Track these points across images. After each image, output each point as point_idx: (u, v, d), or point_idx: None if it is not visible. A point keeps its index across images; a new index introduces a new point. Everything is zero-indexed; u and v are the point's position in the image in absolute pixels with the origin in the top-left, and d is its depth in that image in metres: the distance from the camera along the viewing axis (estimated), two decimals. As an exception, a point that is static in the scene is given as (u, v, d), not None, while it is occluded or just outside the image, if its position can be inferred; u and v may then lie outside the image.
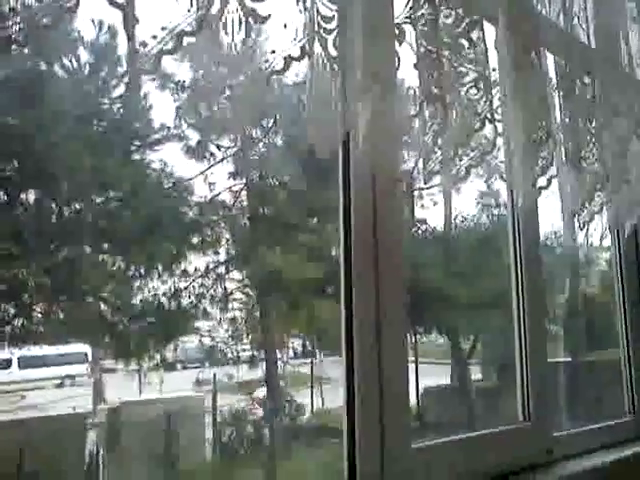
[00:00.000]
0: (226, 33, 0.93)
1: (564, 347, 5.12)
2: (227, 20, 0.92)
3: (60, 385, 4.71)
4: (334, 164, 1.31)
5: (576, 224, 1.70)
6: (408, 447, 1.28)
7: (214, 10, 0.91)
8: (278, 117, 4.08)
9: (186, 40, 0.86)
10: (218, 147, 4.43)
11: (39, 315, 4.05)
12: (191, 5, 0.87)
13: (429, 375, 5.24)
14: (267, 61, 0.96)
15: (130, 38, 0.79)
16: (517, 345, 1.68)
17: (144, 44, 0.83)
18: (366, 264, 1.24)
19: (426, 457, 1.34)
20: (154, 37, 0.84)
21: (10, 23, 0.69)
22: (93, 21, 3.92)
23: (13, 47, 0.72)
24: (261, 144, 4.32)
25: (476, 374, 5.74)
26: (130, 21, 0.77)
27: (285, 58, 0.96)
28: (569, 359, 5.13)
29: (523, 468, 1.54)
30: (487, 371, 5.70)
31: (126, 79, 0.85)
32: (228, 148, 4.50)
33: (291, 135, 4.35)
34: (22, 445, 3.37)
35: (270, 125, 4.16)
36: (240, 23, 0.93)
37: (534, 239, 1.72)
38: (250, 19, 0.93)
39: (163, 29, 0.85)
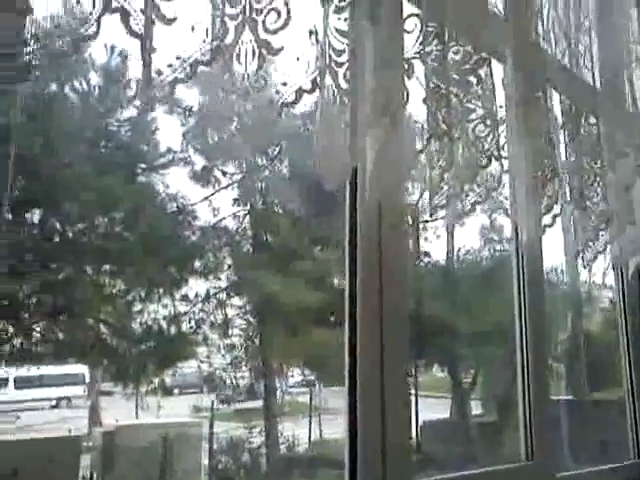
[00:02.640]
0: (239, 63, 0.94)
1: (565, 385, 5.07)
2: (240, 51, 0.94)
3: (56, 406, 4.66)
4: (338, 194, 1.31)
5: (579, 262, 1.70)
6: (409, 482, 1.26)
7: (228, 40, 0.92)
8: (284, 145, 4.11)
9: (200, 69, 0.88)
10: (223, 173, 4.46)
11: (38, 335, 4.03)
12: (206, 35, 0.88)
13: (428, 409, 5.17)
14: (278, 92, 0.97)
15: (146, 66, 0.80)
16: (519, 381, 1.66)
17: (159, 72, 0.84)
18: (371, 295, 1.24)
19: (426, 493, 1.32)
20: (169, 65, 0.85)
21: (30, 49, 0.71)
22: (105, 45, 3.98)
23: (31, 71, 0.73)
24: (266, 172, 4.35)
25: (476, 409, 5.67)
26: (147, 50, 0.79)
27: (296, 91, 0.97)
28: (570, 397, 5.07)
29: (524, 509, 1.51)
30: (487, 406, 5.63)
31: (137, 102, 0.87)
32: (233, 174, 4.52)
33: (296, 163, 4.38)
34: (15, 466, 3.33)
35: (275, 153, 4.19)
36: (253, 54, 0.94)
37: (538, 276, 1.72)
38: (263, 50, 0.94)
39: (178, 58, 0.87)
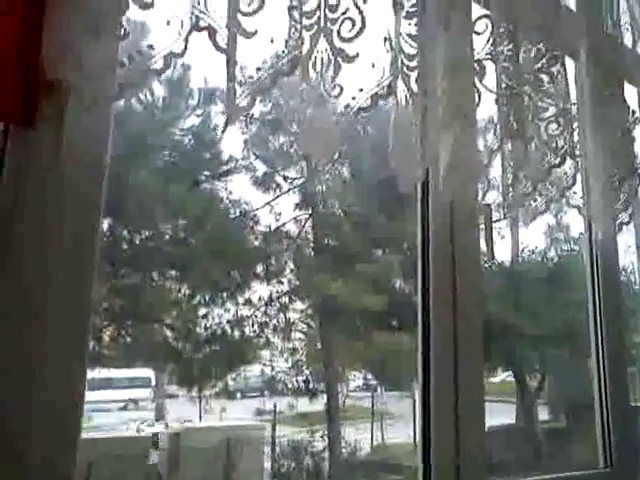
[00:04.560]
0: (315, 72, 0.96)
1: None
2: (317, 59, 0.96)
3: (124, 408, 4.82)
4: (400, 196, 1.32)
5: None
6: (484, 486, 1.25)
7: (304, 50, 0.95)
8: (344, 148, 4.13)
9: (280, 79, 0.91)
10: (285, 178, 4.52)
11: (107, 338, 4.18)
12: (285, 46, 0.91)
13: (492, 414, 5.05)
14: (354, 98, 0.99)
15: (230, 79, 0.83)
16: (596, 385, 1.62)
17: (241, 83, 0.87)
18: (444, 295, 1.24)
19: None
20: (250, 77, 0.88)
21: (125, 70, 0.75)
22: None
23: (126, 91, 0.78)
24: (327, 175, 4.38)
25: (543, 414, 5.51)
26: (232, 63, 0.82)
27: (372, 96, 0.99)
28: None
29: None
30: (555, 411, 5.46)
31: (198, 112, 0.89)
32: (294, 179, 4.58)
33: (356, 166, 4.40)
34: (90, 462, 3.46)
35: (336, 157, 4.22)
36: (329, 62, 0.96)
37: (613, 274, 1.67)
38: (339, 59, 0.96)
39: (258, 70, 0.90)
